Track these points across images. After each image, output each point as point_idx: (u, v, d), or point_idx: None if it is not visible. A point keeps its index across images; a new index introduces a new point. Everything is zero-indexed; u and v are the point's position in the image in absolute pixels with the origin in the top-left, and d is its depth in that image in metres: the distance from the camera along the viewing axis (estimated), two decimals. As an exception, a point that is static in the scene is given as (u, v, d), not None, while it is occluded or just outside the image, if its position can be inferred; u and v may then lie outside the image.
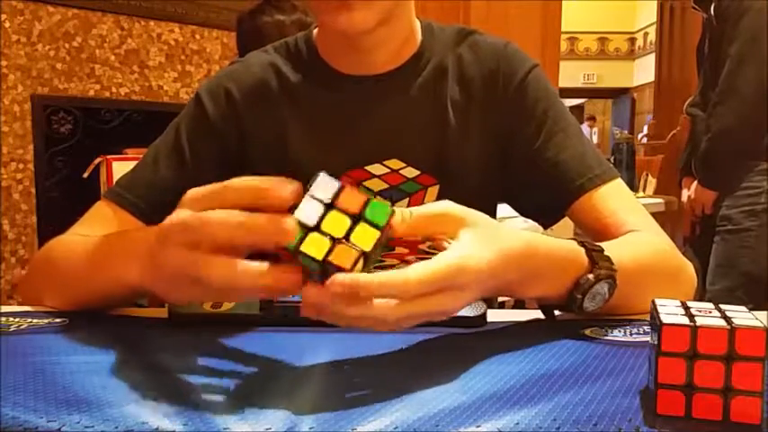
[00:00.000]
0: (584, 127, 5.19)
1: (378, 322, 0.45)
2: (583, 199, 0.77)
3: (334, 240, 0.43)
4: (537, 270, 0.55)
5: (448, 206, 0.50)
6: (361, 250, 0.43)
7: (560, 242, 0.58)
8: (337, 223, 0.43)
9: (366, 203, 0.44)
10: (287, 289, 0.44)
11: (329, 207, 0.44)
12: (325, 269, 0.43)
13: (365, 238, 0.44)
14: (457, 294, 0.47)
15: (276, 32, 1.59)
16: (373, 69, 0.82)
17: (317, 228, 0.43)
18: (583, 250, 0.58)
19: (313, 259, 0.43)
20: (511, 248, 0.51)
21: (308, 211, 0.44)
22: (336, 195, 0.44)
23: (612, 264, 0.58)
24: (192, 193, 0.47)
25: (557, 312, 0.62)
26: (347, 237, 0.43)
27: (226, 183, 0.46)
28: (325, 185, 0.44)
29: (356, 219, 0.44)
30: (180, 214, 0.46)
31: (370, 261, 0.44)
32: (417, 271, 0.45)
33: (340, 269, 0.43)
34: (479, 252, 0.48)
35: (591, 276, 0.57)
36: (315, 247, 0.43)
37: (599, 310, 0.59)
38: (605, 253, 0.59)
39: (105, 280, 0.61)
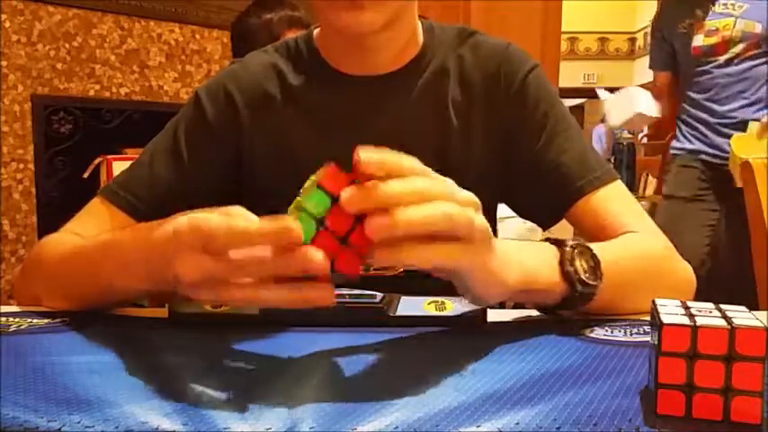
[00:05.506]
0: (600, 128, 5.10)
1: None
2: (582, 201, 0.77)
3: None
4: (523, 255, 0.56)
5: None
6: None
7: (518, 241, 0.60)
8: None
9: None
10: (318, 304, 0.45)
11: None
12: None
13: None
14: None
15: (265, 31, 1.60)
16: (375, 70, 0.82)
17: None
18: (546, 241, 0.60)
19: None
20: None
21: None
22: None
23: (580, 239, 0.60)
24: (192, 227, 0.46)
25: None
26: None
27: (230, 225, 0.45)
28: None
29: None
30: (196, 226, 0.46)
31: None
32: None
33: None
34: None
35: (567, 249, 0.58)
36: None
37: (597, 292, 0.58)
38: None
39: (109, 285, 0.61)
